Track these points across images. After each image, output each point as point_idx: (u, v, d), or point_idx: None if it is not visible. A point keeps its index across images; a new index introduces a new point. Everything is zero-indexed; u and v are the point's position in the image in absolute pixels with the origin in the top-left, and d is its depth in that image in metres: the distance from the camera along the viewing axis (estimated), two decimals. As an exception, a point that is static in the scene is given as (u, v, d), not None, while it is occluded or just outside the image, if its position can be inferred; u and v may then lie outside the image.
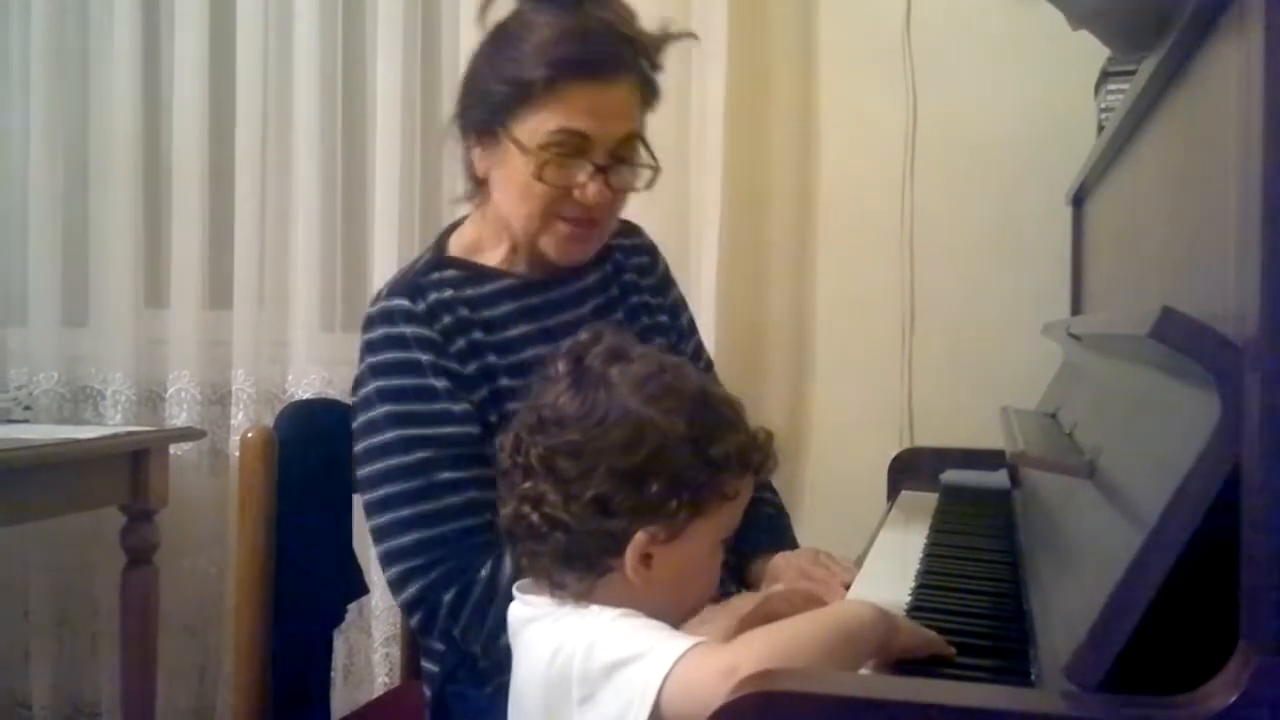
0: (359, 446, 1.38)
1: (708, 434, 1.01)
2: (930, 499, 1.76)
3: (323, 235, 2.46)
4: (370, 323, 1.42)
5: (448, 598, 1.30)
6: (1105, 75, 1.81)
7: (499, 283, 1.46)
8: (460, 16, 2.38)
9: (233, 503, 1.96)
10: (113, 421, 2.53)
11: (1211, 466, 0.72)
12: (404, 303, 1.39)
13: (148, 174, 2.56)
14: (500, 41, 1.39)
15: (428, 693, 1.47)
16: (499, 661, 1.25)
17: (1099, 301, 1.70)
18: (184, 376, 2.51)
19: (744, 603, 1.18)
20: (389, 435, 1.35)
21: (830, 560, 1.41)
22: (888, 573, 1.34)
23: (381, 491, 1.35)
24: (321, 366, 2.44)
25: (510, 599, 1.20)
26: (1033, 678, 0.92)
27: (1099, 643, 0.74)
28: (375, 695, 2.24)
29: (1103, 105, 1.82)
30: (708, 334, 2.21)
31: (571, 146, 1.35)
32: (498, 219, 1.45)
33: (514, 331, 1.43)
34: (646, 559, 1.00)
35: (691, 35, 1.50)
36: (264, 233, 2.49)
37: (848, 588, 1.30)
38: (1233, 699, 0.68)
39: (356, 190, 2.52)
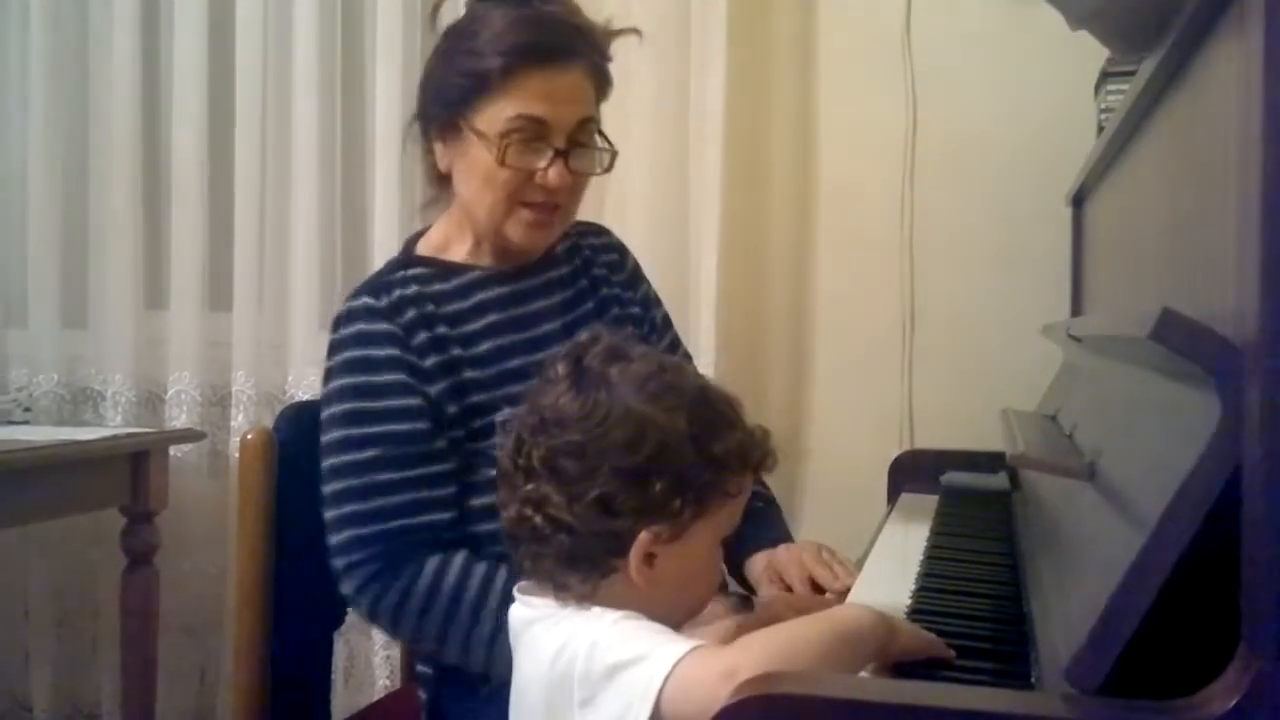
0: (321, 441, 1.42)
1: (709, 432, 1.01)
2: (930, 501, 1.76)
3: (322, 237, 2.46)
4: (335, 323, 1.46)
5: (376, 594, 1.33)
6: (1105, 76, 1.81)
7: (465, 276, 1.48)
8: (456, 14, 2.37)
9: (233, 504, 1.96)
10: (113, 423, 2.53)
11: (1212, 468, 0.72)
12: (367, 300, 1.43)
13: (147, 175, 2.56)
14: (454, 39, 1.44)
15: (423, 695, 1.47)
16: (457, 664, 1.33)
17: (1099, 303, 1.70)
18: (184, 378, 2.51)
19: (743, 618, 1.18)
20: (337, 433, 1.39)
21: (832, 558, 1.41)
22: (888, 575, 1.34)
23: (329, 487, 1.38)
24: (321, 368, 2.42)
25: (459, 599, 1.29)
26: (1033, 681, 0.92)
27: (1099, 646, 0.74)
28: (375, 698, 2.24)
29: (1102, 106, 1.82)
30: (708, 336, 2.22)
31: (530, 132, 1.38)
32: (462, 216, 1.49)
33: (480, 323, 1.45)
34: (650, 558, 1.00)
35: (635, 31, 1.53)
36: (264, 234, 2.50)
37: (848, 591, 1.30)
38: (1233, 703, 0.68)
39: (356, 192, 2.52)
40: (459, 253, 1.51)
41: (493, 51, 1.38)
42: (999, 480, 1.80)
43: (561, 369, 1.04)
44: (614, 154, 1.47)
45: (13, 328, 2.63)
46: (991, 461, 1.80)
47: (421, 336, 1.41)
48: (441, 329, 1.42)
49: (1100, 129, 1.79)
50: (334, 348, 1.44)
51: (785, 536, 1.54)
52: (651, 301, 1.66)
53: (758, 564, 1.47)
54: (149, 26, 2.57)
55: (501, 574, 1.32)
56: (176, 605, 2.47)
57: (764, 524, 1.53)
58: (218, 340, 2.52)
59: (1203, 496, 0.72)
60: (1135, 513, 0.81)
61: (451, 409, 1.39)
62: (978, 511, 1.67)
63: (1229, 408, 0.72)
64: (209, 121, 2.51)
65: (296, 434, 1.54)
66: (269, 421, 1.90)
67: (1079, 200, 1.91)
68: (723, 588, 1.37)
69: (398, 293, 1.43)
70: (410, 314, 1.41)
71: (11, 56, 2.60)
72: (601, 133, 1.46)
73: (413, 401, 1.38)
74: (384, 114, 2.41)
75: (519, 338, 1.47)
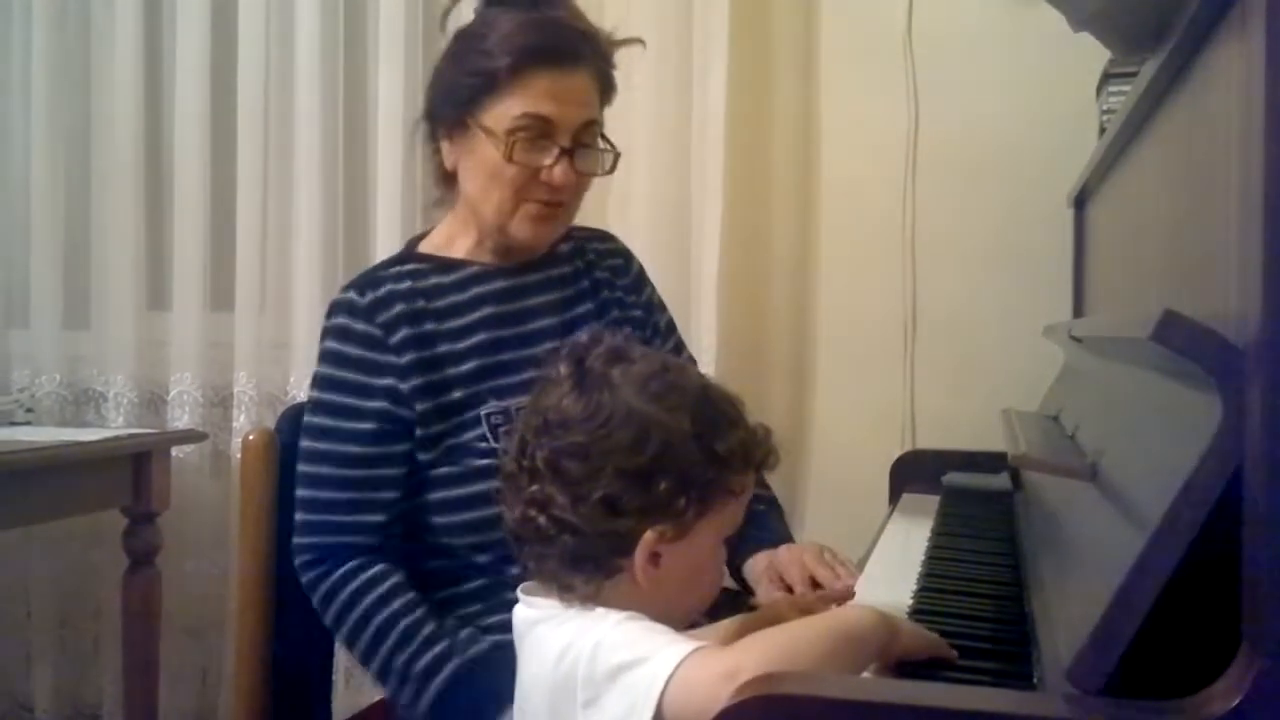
0: None
1: (712, 431, 1.02)
2: (932, 501, 1.76)
3: (324, 237, 2.46)
4: (327, 312, 1.52)
5: (310, 576, 1.42)
6: (1106, 77, 1.81)
7: (465, 270, 1.51)
8: (462, 21, 2.37)
9: (234, 505, 1.97)
10: (115, 424, 2.53)
11: (1213, 469, 0.72)
12: (352, 295, 1.48)
13: (149, 176, 2.56)
14: (464, 41, 1.48)
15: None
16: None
17: (1100, 304, 1.70)
18: (186, 379, 2.51)
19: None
20: (309, 419, 1.47)
21: (834, 560, 1.41)
22: (889, 575, 1.34)
23: (299, 467, 1.46)
24: (323, 369, 2.44)
25: (387, 608, 1.35)
26: (1034, 681, 0.92)
27: (1101, 646, 0.74)
28: (376, 699, 2.24)
29: (1104, 107, 1.83)
30: (710, 338, 2.22)
31: (537, 130, 1.42)
32: (466, 215, 1.52)
33: (474, 315, 1.48)
34: (655, 558, 1.00)
35: (639, 41, 1.59)
36: (265, 235, 2.50)
37: (851, 592, 1.30)
38: (1235, 702, 0.68)
39: (358, 193, 2.52)
40: (461, 249, 1.53)
41: (502, 52, 1.41)
42: (1000, 480, 1.80)
43: (564, 370, 1.04)
44: (617, 155, 1.50)
45: (15, 328, 2.63)
46: (993, 462, 1.80)
47: (403, 333, 1.44)
48: (429, 325, 1.46)
49: (1102, 130, 1.79)
50: (322, 334, 1.51)
51: (786, 537, 1.54)
52: (655, 307, 1.67)
53: (758, 564, 1.47)
54: (151, 26, 2.57)
55: (408, 616, 1.37)
56: (178, 606, 2.48)
57: (765, 525, 1.54)
58: (219, 341, 2.52)
59: (1204, 497, 0.72)
60: (1137, 513, 0.81)
61: (423, 405, 1.42)
62: (979, 512, 1.67)
63: (1230, 408, 0.72)
64: (211, 122, 2.51)
65: (298, 435, 1.54)
66: (271, 422, 1.90)
67: (1080, 201, 1.91)
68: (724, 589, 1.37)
69: (386, 288, 1.47)
70: (396, 309, 1.45)
71: (14, 56, 2.60)
72: (604, 136, 1.49)
73: (371, 404, 1.43)
74: (386, 114, 2.41)
75: (512, 332, 1.49)
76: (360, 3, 2.52)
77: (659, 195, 2.27)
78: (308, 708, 1.58)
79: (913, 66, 2.26)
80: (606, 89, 1.50)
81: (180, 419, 2.51)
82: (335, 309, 1.49)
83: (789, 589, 1.39)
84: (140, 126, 2.53)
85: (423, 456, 1.43)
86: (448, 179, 1.52)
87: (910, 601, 1.19)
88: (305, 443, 1.46)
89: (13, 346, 2.63)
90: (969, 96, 2.24)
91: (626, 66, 1.64)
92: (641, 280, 1.67)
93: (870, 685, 0.89)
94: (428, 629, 1.36)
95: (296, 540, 1.44)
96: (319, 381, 1.47)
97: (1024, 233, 2.18)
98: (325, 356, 1.48)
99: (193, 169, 2.50)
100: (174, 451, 2.43)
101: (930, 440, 2.19)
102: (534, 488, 1.02)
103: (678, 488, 0.99)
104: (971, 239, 2.24)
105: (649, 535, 0.99)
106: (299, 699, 1.56)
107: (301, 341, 2.45)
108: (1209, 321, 0.77)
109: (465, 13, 1.55)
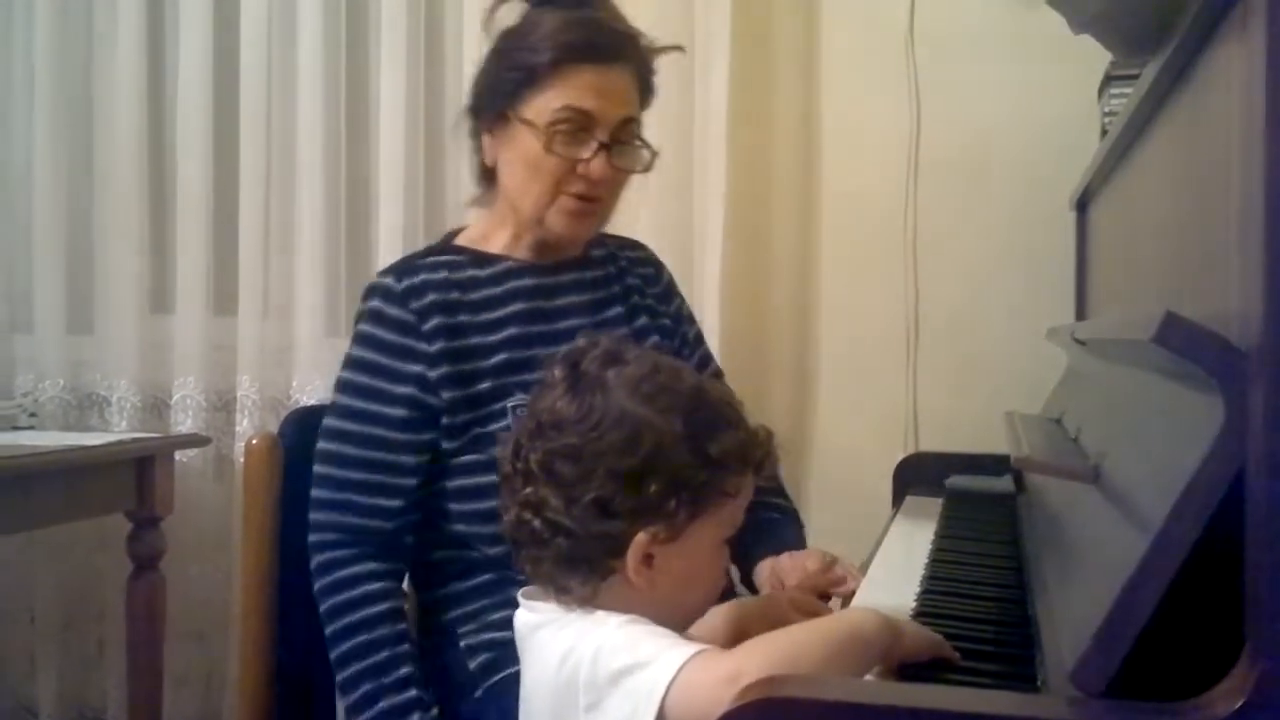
0: None
1: (705, 432, 1.01)
2: (935, 504, 1.76)
3: (327, 241, 2.47)
4: (362, 295, 1.53)
5: (324, 558, 1.42)
6: (1108, 79, 1.81)
7: (500, 265, 1.52)
8: (464, 22, 2.38)
9: (238, 509, 1.96)
10: (118, 428, 2.53)
11: (1216, 471, 0.72)
12: (388, 280, 1.49)
13: (152, 180, 2.57)
14: (509, 38, 1.49)
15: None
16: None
17: (1103, 306, 1.70)
18: (189, 383, 2.51)
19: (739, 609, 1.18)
20: (337, 397, 1.48)
21: (837, 563, 1.41)
22: (893, 578, 1.34)
23: (320, 444, 1.47)
24: (326, 373, 2.43)
25: (369, 607, 1.37)
26: (1038, 683, 0.92)
27: (1104, 648, 0.74)
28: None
29: (1106, 109, 1.82)
30: (711, 341, 2.21)
31: (577, 124, 1.43)
32: (505, 210, 1.53)
33: (506, 310, 1.49)
34: (649, 559, 1.00)
35: (679, 48, 1.62)
36: (268, 239, 2.50)
37: (852, 595, 1.30)
38: (1238, 704, 0.68)
39: (361, 196, 2.52)
40: (497, 244, 1.54)
41: (545, 47, 1.44)
42: (1003, 483, 1.80)
43: (558, 373, 1.05)
44: (654, 154, 1.51)
45: (18, 333, 2.63)
46: (996, 464, 1.80)
47: (435, 321, 1.45)
48: (463, 316, 1.47)
49: (1104, 132, 1.79)
50: (356, 317, 1.52)
51: (796, 545, 1.54)
52: (684, 318, 1.68)
53: (763, 570, 1.47)
54: (153, 29, 2.57)
55: (398, 646, 1.38)
56: (182, 610, 2.48)
57: (777, 533, 1.54)
58: (223, 345, 2.52)
59: (1206, 498, 0.72)
60: (1139, 515, 0.81)
61: (450, 394, 1.43)
62: (982, 514, 1.67)
63: (1232, 410, 0.72)
64: (214, 125, 2.51)
65: (301, 439, 1.54)
66: (274, 426, 1.90)
67: (1083, 204, 1.91)
68: (730, 592, 1.38)
69: (422, 276, 1.48)
70: (429, 298, 1.46)
71: (16, 58, 2.60)
72: (641, 136, 1.51)
73: (400, 390, 1.43)
74: (389, 118, 2.41)
75: (542, 329, 1.50)
76: (362, 4, 2.52)
77: (661, 196, 2.27)
78: (311, 711, 1.58)
79: (915, 68, 2.26)
80: (646, 91, 1.52)
81: (183, 423, 2.51)
82: (371, 293, 1.50)
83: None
84: (142, 130, 2.53)
85: (447, 445, 1.43)
86: (487, 175, 1.54)
87: (914, 604, 1.19)
88: (330, 421, 1.46)
89: (16, 351, 2.63)
90: (971, 98, 2.24)
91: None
92: (671, 290, 1.69)
93: (872, 688, 0.89)
94: (406, 669, 1.37)
95: (313, 515, 1.44)
96: (350, 363, 1.48)
97: (1026, 235, 2.18)
98: (358, 339, 1.49)
99: (195, 173, 2.50)
100: (177, 456, 2.43)
101: (933, 443, 2.19)
102: (528, 490, 1.02)
103: (669, 489, 0.99)
104: (974, 241, 2.24)
105: (641, 537, 0.99)
106: (302, 703, 1.56)
107: (304, 345, 2.45)
108: (1211, 323, 0.77)
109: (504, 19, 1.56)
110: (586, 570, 1.01)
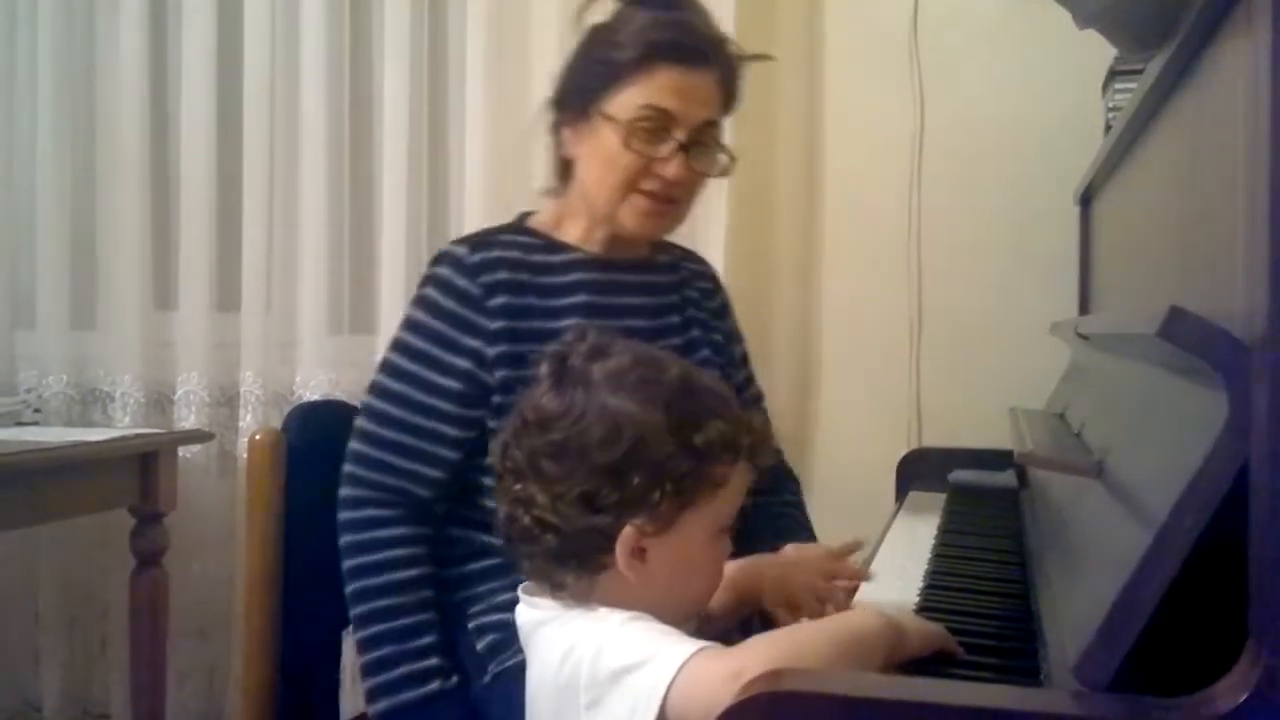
0: None
1: (688, 422, 1.01)
2: (938, 499, 1.76)
3: (330, 237, 2.47)
4: (431, 260, 1.52)
5: (358, 515, 1.42)
6: (1113, 75, 1.80)
7: (569, 254, 1.52)
8: (467, 21, 2.38)
9: (241, 505, 1.97)
10: (121, 424, 2.53)
11: (1220, 466, 0.72)
12: (461, 250, 1.48)
13: (155, 176, 2.57)
14: (597, 34, 1.50)
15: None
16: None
17: (1107, 301, 1.70)
18: (192, 378, 2.51)
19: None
20: (389, 355, 1.48)
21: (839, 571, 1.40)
22: (896, 573, 1.34)
23: (366, 399, 1.47)
24: (330, 368, 2.44)
25: (392, 572, 1.38)
26: (1041, 677, 0.92)
27: (1107, 642, 0.74)
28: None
29: (1110, 105, 1.82)
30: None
31: (657, 122, 1.43)
32: (579, 202, 1.52)
33: (570, 299, 1.48)
34: (640, 553, 1.00)
35: (770, 57, 1.62)
36: (272, 235, 2.50)
37: (853, 593, 1.30)
38: (1241, 699, 0.68)
39: (364, 192, 2.52)
40: (569, 234, 1.54)
41: (632, 44, 1.43)
42: (1007, 478, 1.80)
43: (545, 369, 1.05)
44: (733, 160, 1.51)
45: (22, 329, 2.63)
46: (999, 459, 1.80)
47: (501, 299, 1.44)
48: (530, 298, 1.46)
49: (1108, 128, 1.79)
50: (422, 281, 1.51)
51: (804, 536, 1.54)
52: (735, 336, 1.69)
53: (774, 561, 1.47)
54: (156, 27, 2.57)
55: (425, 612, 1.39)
56: (185, 606, 2.48)
57: (777, 529, 1.53)
58: (226, 341, 2.52)
59: (1210, 493, 0.72)
60: (1143, 510, 0.81)
61: (503, 373, 1.42)
62: (985, 509, 1.67)
63: (1236, 405, 0.72)
64: (217, 122, 2.51)
65: (305, 434, 1.54)
66: (277, 422, 1.90)
67: (1087, 199, 1.91)
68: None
69: (496, 253, 1.47)
70: (500, 274, 1.45)
71: (19, 57, 2.60)
72: (721, 141, 1.50)
73: (454, 361, 1.43)
74: (392, 114, 2.42)
75: (604, 324, 1.47)
76: (366, 3, 2.52)
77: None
78: (314, 708, 1.58)
79: (918, 63, 2.26)
80: (729, 97, 1.51)
81: (187, 419, 2.51)
82: (441, 259, 1.49)
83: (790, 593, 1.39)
84: (146, 127, 2.54)
85: (493, 424, 1.41)
86: (564, 168, 1.54)
87: (917, 599, 1.19)
88: (380, 378, 1.46)
89: (20, 347, 2.63)
90: (975, 93, 2.24)
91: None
92: (726, 308, 1.69)
93: (875, 682, 0.89)
94: (430, 638, 1.38)
95: (349, 469, 1.43)
96: (409, 324, 1.47)
97: (1030, 230, 2.18)
98: (420, 302, 1.48)
99: (198, 169, 2.50)
100: (181, 451, 2.43)
101: (936, 438, 2.19)
102: (518, 487, 1.02)
103: (653, 481, 0.99)
104: (977, 236, 2.24)
105: (628, 530, 0.99)
106: (306, 699, 1.56)
107: (307, 340, 2.45)
108: (1215, 318, 0.77)
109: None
110: (577, 566, 1.01)
